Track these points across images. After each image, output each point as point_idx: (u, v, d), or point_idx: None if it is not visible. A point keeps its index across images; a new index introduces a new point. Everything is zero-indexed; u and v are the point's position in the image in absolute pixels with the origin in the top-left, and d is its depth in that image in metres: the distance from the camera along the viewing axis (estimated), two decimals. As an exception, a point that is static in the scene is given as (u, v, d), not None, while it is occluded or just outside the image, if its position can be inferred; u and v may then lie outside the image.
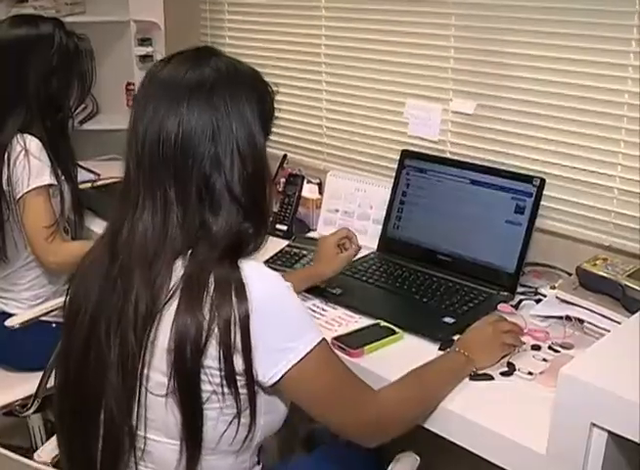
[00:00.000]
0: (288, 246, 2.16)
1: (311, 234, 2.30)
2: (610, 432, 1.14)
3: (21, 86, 2.14)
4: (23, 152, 2.10)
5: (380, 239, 2.13)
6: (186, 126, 1.18)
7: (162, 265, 1.17)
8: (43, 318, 2.14)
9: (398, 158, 2.14)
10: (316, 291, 1.84)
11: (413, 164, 2.09)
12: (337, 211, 2.30)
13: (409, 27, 2.18)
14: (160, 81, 1.23)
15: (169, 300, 1.16)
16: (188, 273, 1.17)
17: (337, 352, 1.44)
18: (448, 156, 2.14)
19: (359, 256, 2.08)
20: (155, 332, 1.16)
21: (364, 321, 1.72)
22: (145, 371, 1.17)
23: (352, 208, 2.27)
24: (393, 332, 1.66)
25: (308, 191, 2.40)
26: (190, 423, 1.19)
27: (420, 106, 2.18)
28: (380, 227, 2.14)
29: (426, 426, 1.43)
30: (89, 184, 2.73)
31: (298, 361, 1.19)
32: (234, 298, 1.14)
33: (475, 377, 1.49)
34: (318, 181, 2.43)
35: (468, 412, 1.38)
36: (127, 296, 1.18)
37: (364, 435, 1.33)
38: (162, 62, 1.26)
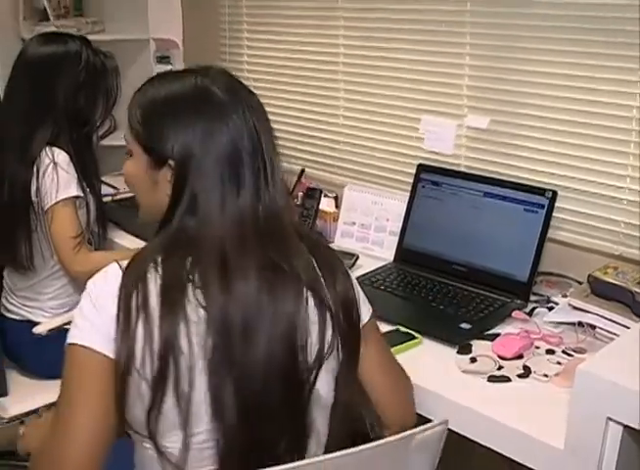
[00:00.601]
0: (306, 257, 2.20)
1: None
2: (625, 425, 1.19)
3: (49, 101, 2.20)
4: (52, 164, 2.16)
5: (396, 250, 2.18)
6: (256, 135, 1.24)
7: (300, 262, 1.24)
8: (68, 327, 2.18)
9: (414, 172, 2.19)
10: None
11: (429, 177, 2.15)
12: (354, 223, 2.35)
13: (425, 45, 2.24)
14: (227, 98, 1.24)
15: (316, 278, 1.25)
16: (317, 254, 1.28)
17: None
18: (463, 169, 2.19)
19: (377, 266, 2.14)
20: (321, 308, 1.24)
21: (384, 327, 1.75)
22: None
23: (369, 220, 2.32)
24: (413, 337, 1.71)
25: (325, 205, 2.44)
26: (347, 384, 1.29)
27: (435, 121, 2.24)
28: (396, 239, 2.19)
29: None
30: (110, 198, 2.79)
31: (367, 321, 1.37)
32: (347, 270, 1.33)
33: (493, 379, 1.55)
34: (335, 195, 2.48)
35: (487, 411, 1.43)
36: (298, 301, 1.21)
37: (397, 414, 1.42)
38: (211, 82, 1.26)
